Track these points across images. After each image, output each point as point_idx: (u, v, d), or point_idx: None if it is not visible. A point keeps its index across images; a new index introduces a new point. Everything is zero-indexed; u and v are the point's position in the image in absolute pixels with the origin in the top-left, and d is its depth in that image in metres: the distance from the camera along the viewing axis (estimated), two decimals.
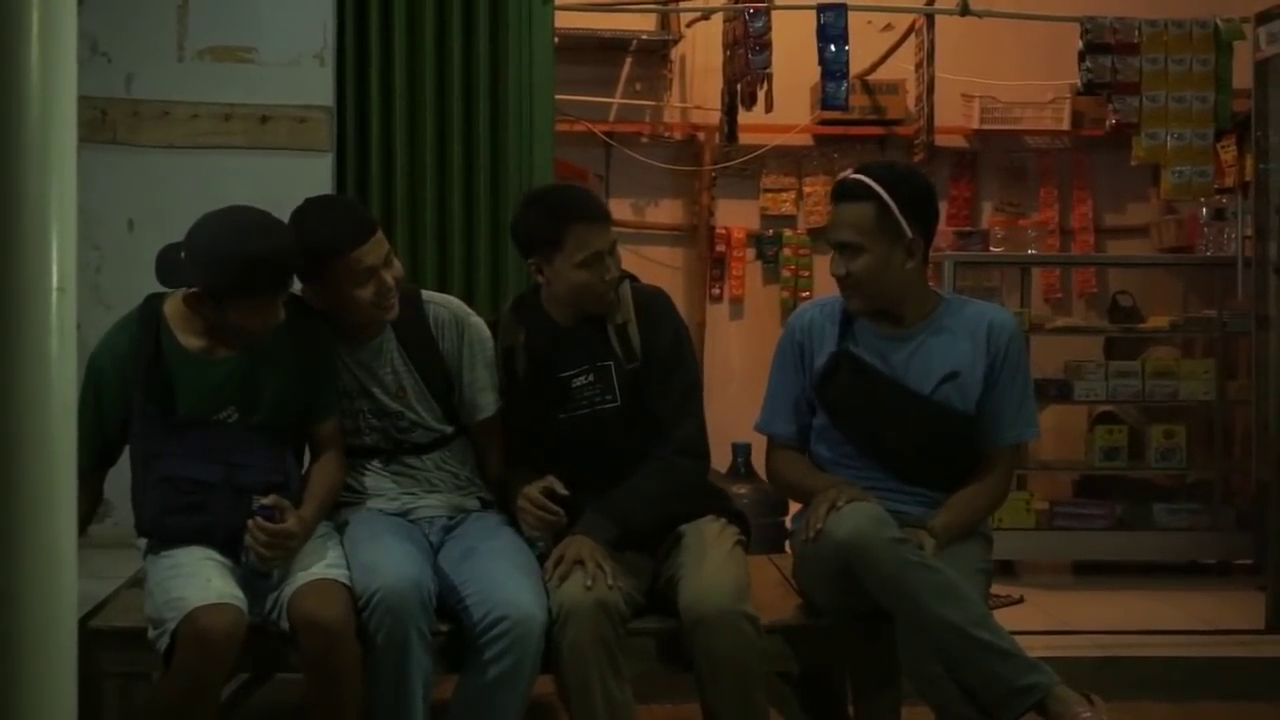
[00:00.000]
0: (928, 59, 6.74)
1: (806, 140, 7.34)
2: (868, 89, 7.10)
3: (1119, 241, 7.47)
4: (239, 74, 3.99)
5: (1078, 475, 6.08)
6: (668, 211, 7.42)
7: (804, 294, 7.24)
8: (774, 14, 5.77)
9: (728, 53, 6.38)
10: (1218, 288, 5.78)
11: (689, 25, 7.08)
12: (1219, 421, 5.76)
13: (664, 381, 3.16)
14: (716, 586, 2.91)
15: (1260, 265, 5.05)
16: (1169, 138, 5.40)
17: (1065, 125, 7.30)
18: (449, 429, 3.22)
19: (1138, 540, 5.61)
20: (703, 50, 7.11)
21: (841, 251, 3.11)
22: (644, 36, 7.02)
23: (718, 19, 6.59)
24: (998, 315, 3.20)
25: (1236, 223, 5.78)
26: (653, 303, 3.23)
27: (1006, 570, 5.38)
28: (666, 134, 7.27)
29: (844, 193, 3.14)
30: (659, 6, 6.84)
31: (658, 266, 7.07)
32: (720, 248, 7.39)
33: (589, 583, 2.87)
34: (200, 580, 2.77)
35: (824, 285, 6.15)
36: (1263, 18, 4.98)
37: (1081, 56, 5.44)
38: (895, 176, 3.15)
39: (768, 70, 5.82)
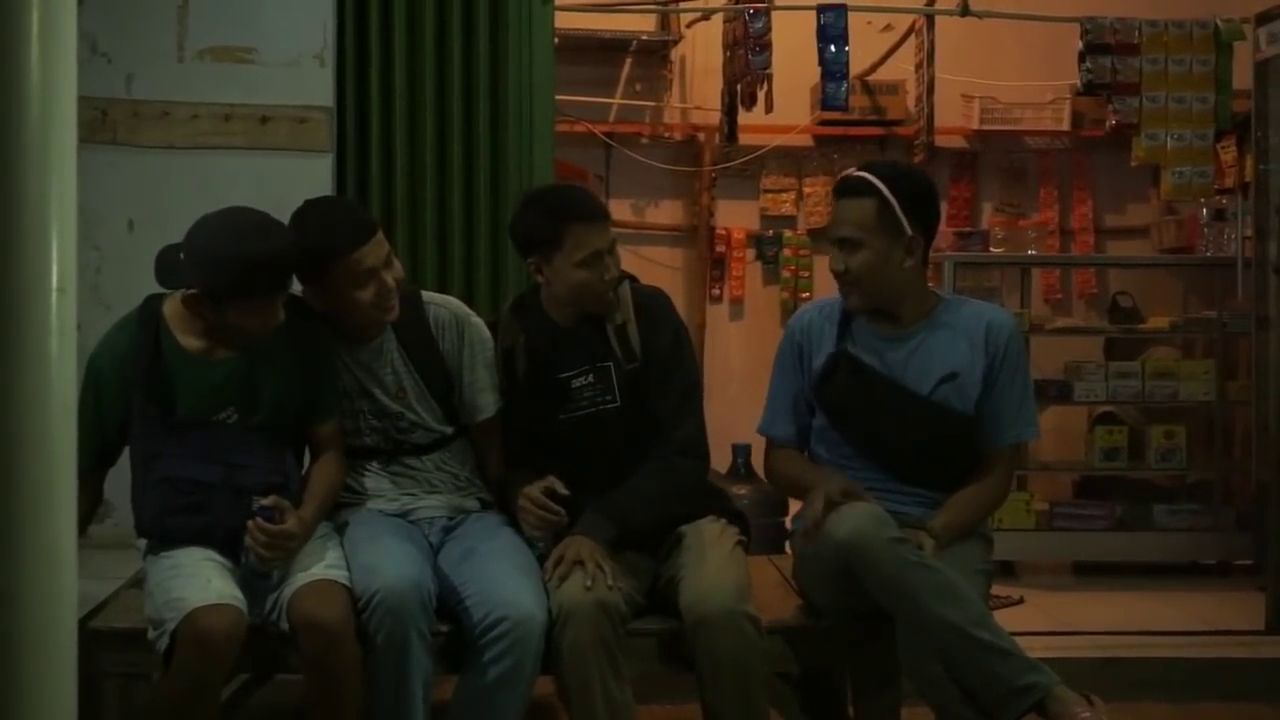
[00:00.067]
0: (928, 59, 6.74)
1: (806, 141, 7.34)
2: (868, 89, 7.10)
3: (1119, 242, 7.47)
4: (239, 74, 3.99)
5: (1078, 476, 6.08)
6: (668, 212, 7.43)
7: (804, 295, 7.24)
8: (774, 14, 5.77)
9: (728, 53, 6.38)
10: (1218, 288, 5.78)
11: (689, 26, 7.08)
12: (1219, 422, 5.76)
13: (664, 382, 3.16)
14: (718, 587, 2.91)
15: (1260, 266, 5.05)
16: (1169, 138, 5.40)
17: (1065, 126, 7.30)
18: (449, 430, 3.22)
19: (1138, 541, 5.61)
20: (703, 51, 7.12)
21: (841, 247, 3.11)
22: (644, 37, 7.02)
23: (718, 19, 6.59)
24: (996, 315, 3.20)
25: (1236, 223, 5.78)
26: (652, 303, 3.23)
27: (1006, 571, 5.38)
28: (666, 134, 7.27)
29: (846, 189, 3.14)
30: (659, 7, 6.84)
31: (658, 267, 7.07)
32: (720, 248, 7.39)
33: (589, 583, 2.87)
34: (200, 581, 2.77)
35: (824, 286, 6.15)
36: (1263, 18, 4.98)
37: (1081, 57, 5.44)
38: (897, 174, 3.16)
39: (768, 71, 5.83)
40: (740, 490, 5.06)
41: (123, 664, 2.88)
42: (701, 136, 7.28)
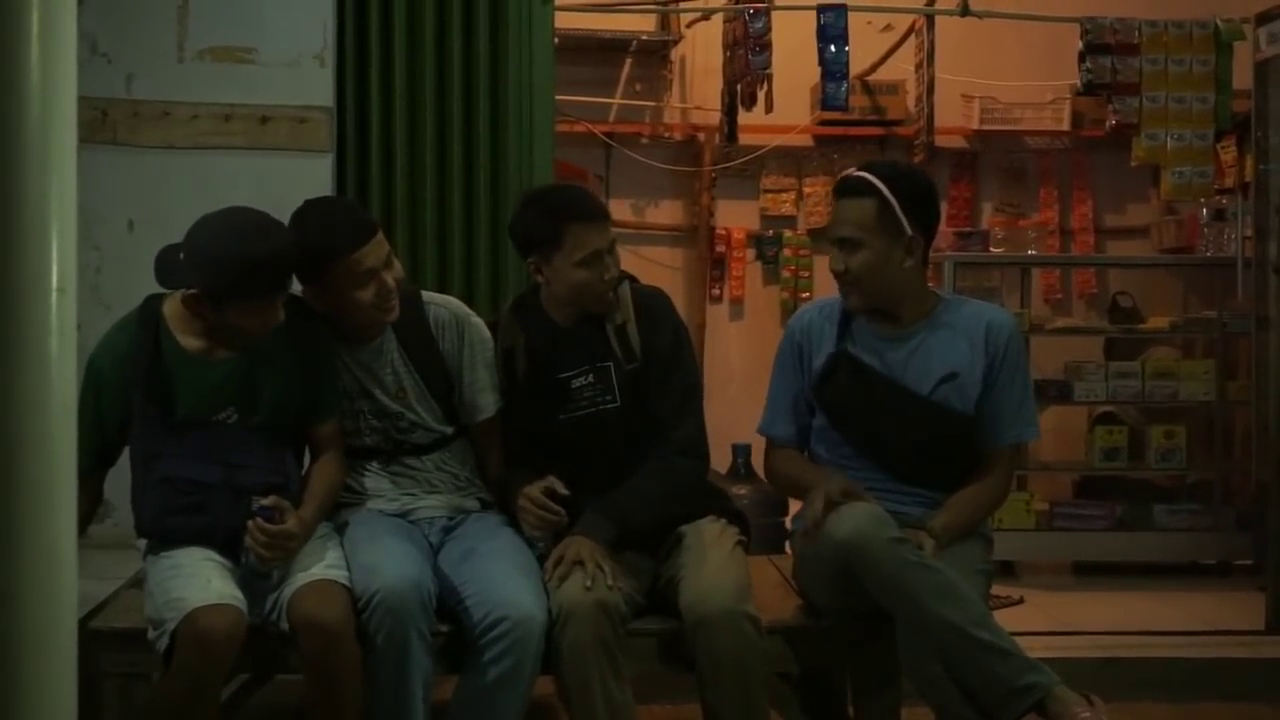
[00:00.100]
0: (928, 59, 6.74)
1: (806, 141, 7.34)
2: (868, 89, 7.10)
3: (1119, 242, 7.47)
4: (239, 74, 3.99)
5: (1078, 476, 6.08)
6: (668, 212, 7.43)
7: (804, 295, 7.24)
8: (774, 14, 5.77)
9: (728, 53, 6.38)
10: (1218, 288, 5.78)
11: (689, 26, 7.08)
12: (1219, 422, 5.76)
13: (663, 382, 3.16)
14: (718, 587, 2.91)
15: (1260, 266, 5.05)
16: (1169, 138, 5.40)
17: (1065, 126, 7.30)
18: (449, 430, 3.22)
19: (1138, 541, 5.61)
20: (703, 51, 7.12)
21: (841, 247, 3.11)
22: (644, 37, 7.02)
23: (718, 19, 6.59)
24: (996, 315, 3.20)
25: (1236, 223, 5.78)
26: (652, 303, 3.23)
27: (1006, 571, 5.38)
28: (666, 134, 7.27)
29: (846, 189, 3.15)
30: (659, 7, 6.84)
31: (657, 267, 7.07)
32: (720, 248, 7.39)
33: (589, 583, 2.87)
34: (200, 581, 2.77)
35: (824, 286, 6.15)
36: (1263, 18, 4.98)
37: (1081, 57, 5.44)
38: (897, 174, 3.16)
39: (768, 71, 5.82)
40: (740, 490, 5.06)
41: (123, 664, 2.88)
42: (701, 136, 7.28)
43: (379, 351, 3.15)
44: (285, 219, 2.98)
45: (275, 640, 2.84)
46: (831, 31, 5.44)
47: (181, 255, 2.88)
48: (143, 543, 2.97)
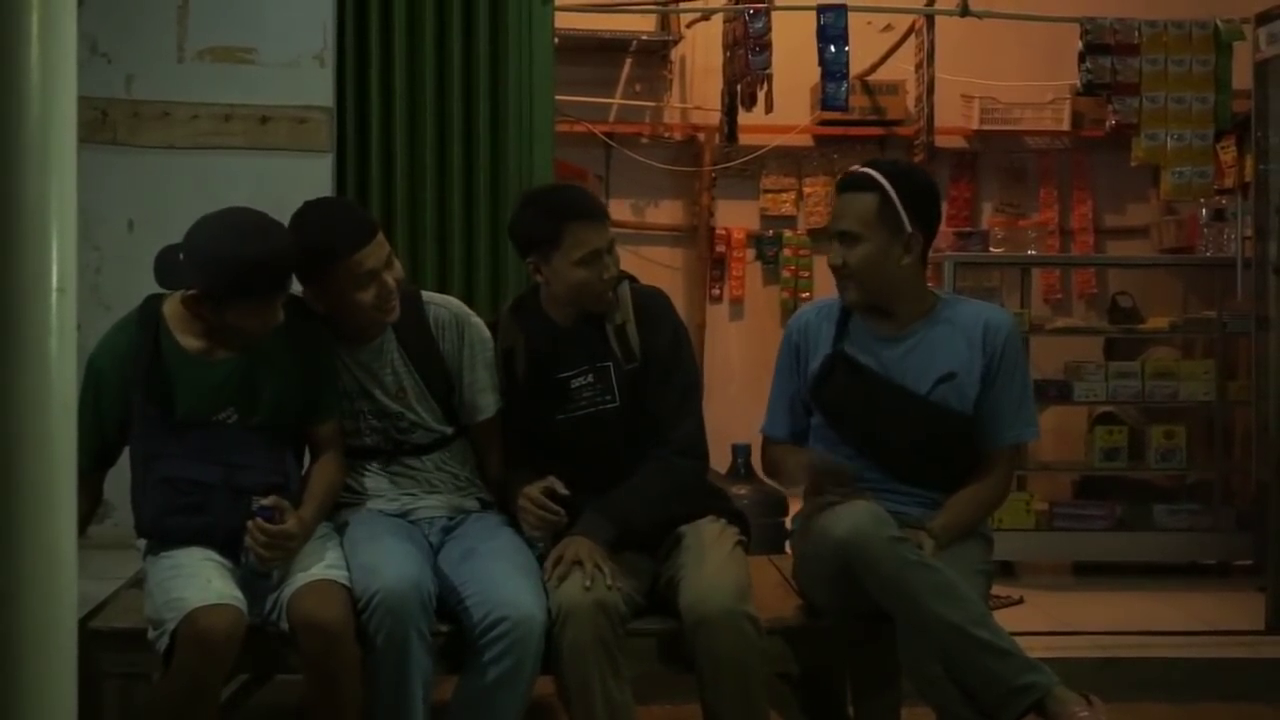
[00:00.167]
0: (928, 59, 6.75)
1: (806, 141, 7.35)
2: (868, 89, 7.11)
3: (1119, 242, 7.48)
4: (239, 75, 3.99)
5: (1078, 476, 6.08)
6: (667, 212, 7.43)
7: (804, 295, 7.25)
8: (774, 15, 5.77)
9: (728, 53, 6.39)
10: (1217, 288, 5.78)
11: (689, 26, 7.09)
12: (1219, 422, 5.76)
13: (663, 382, 3.16)
14: (718, 587, 2.91)
15: (1260, 266, 5.05)
16: (1169, 138, 5.40)
17: (1065, 126, 7.32)
18: (449, 430, 3.22)
19: (1138, 541, 5.61)
20: (703, 51, 7.13)
21: (841, 241, 3.12)
22: (644, 37, 7.03)
23: (718, 20, 6.60)
24: (994, 315, 3.20)
25: (1236, 223, 5.79)
26: (652, 303, 3.23)
27: (1006, 571, 5.38)
28: (666, 134, 7.28)
29: (849, 184, 3.16)
30: (659, 7, 6.84)
31: (657, 267, 7.08)
32: (720, 248, 7.40)
33: (588, 583, 2.87)
34: (200, 581, 2.77)
35: (824, 286, 6.15)
36: (1262, 18, 4.98)
37: (1081, 57, 5.44)
38: (900, 171, 3.18)
39: (768, 71, 5.83)
40: (740, 490, 5.05)
41: (123, 664, 2.88)
42: (701, 136, 7.29)
43: (379, 352, 3.15)
44: (285, 219, 2.98)
45: (275, 640, 2.84)
46: (831, 31, 5.44)
47: (181, 256, 2.88)
48: (142, 543, 2.97)
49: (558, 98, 4.28)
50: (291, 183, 3.75)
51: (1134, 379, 5.64)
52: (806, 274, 7.39)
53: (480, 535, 3.10)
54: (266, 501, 2.84)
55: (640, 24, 7.05)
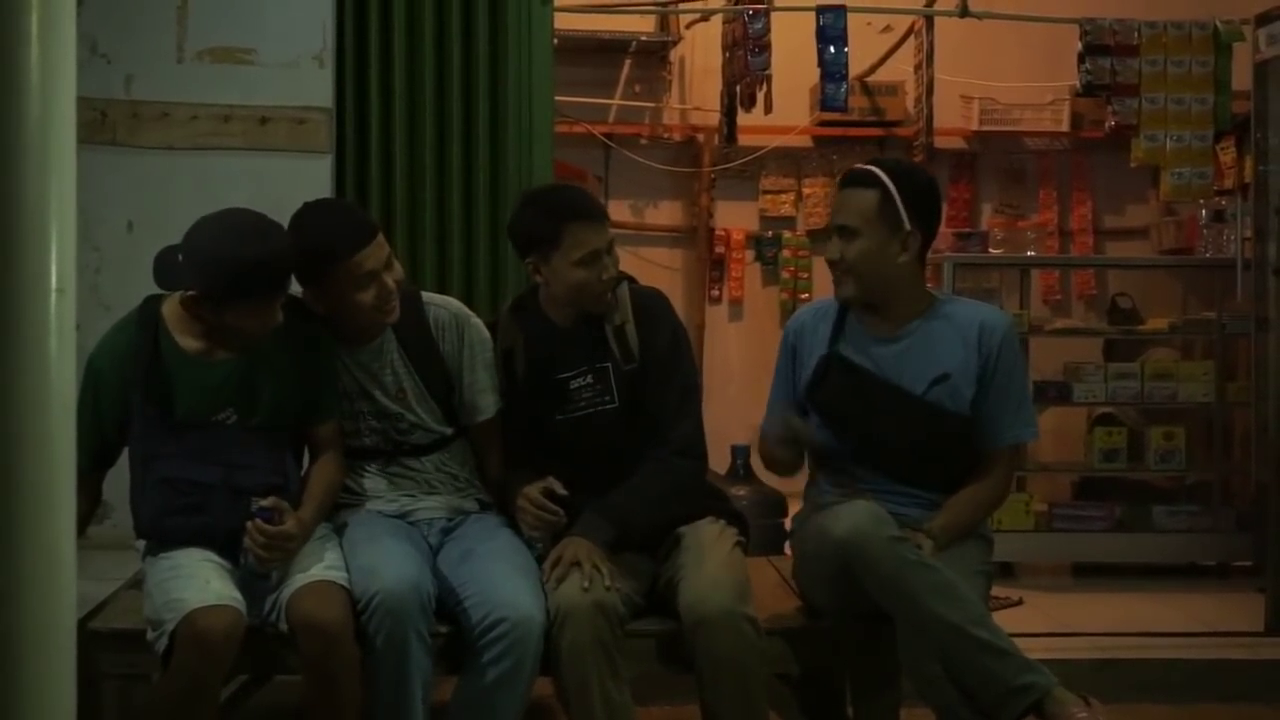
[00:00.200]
0: (927, 60, 6.75)
1: (806, 142, 7.35)
2: (867, 90, 7.12)
3: (1118, 243, 7.49)
4: (238, 75, 3.99)
5: (1077, 477, 6.08)
6: (667, 213, 7.43)
7: (803, 295, 7.26)
8: (773, 15, 5.77)
9: (727, 54, 6.39)
10: (1217, 289, 5.78)
11: (688, 27, 7.09)
12: (1218, 423, 5.76)
13: (662, 383, 3.16)
14: (717, 587, 2.91)
15: (1259, 267, 5.05)
16: (1168, 139, 5.40)
17: (1064, 127, 7.32)
18: (449, 431, 3.22)
19: (1137, 542, 5.61)
20: (702, 52, 7.13)
21: (840, 235, 3.12)
22: (643, 38, 7.04)
23: (717, 20, 6.60)
24: (990, 316, 3.19)
25: (1236, 224, 5.78)
26: (651, 304, 3.23)
27: (1006, 572, 5.38)
28: (666, 135, 7.28)
29: (851, 179, 3.17)
30: (658, 8, 6.85)
31: (657, 268, 7.08)
32: (719, 249, 7.40)
33: (586, 584, 2.87)
34: (199, 582, 2.77)
35: (823, 287, 6.15)
36: (1262, 19, 4.98)
37: (1081, 58, 5.44)
38: (903, 170, 3.19)
39: (767, 72, 5.83)
40: (739, 491, 5.06)
41: (122, 665, 2.88)
42: (701, 137, 7.29)
43: (379, 352, 3.15)
44: (284, 220, 2.98)
45: (274, 641, 2.84)
46: (831, 32, 5.44)
47: (180, 256, 2.88)
48: (142, 544, 2.96)
49: (557, 98, 4.28)
50: (291, 183, 3.75)
51: (1133, 380, 5.64)
52: (806, 275, 7.39)
53: (479, 536, 3.10)
54: (265, 502, 2.84)
55: (640, 25, 7.05)
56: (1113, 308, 6.16)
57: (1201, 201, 6.02)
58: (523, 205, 3.24)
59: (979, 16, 5.55)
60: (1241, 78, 5.34)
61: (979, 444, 3.14)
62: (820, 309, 3.28)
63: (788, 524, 4.25)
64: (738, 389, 6.89)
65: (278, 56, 4.00)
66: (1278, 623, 4.72)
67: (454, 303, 3.29)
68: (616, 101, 7.22)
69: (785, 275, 7.42)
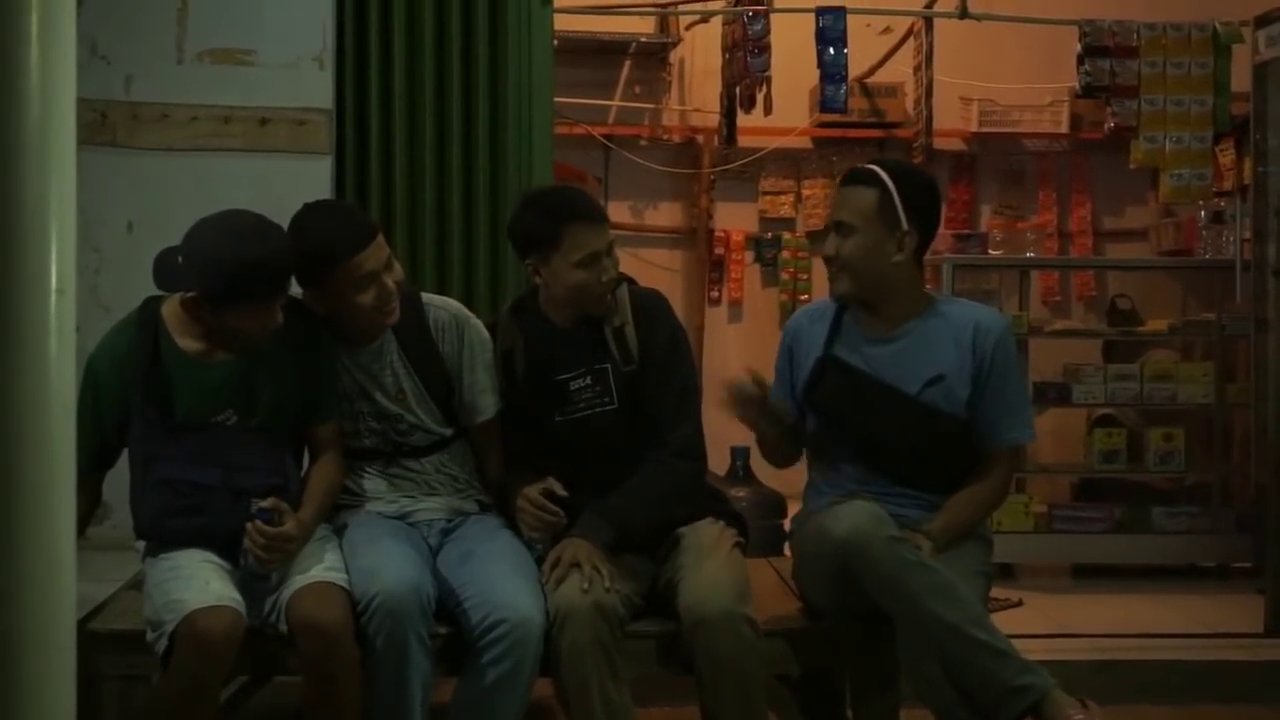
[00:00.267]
0: (926, 62, 6.75)
1: (805, 143, 7.35)
2: (866, 92, 7.12)
3: (1118, 244, 7.49)
4: (238, 76, 3.99)
5: (1076, 478, 6.08)
6: (666, 214, 7.43)
7: (803, 297, 7.26)
8: (773, 17, 5.78)
9: (727, 55, 6.39)
10: (1216, 291, 5.78)
11: (688, 28, 7.09)
12: (1218, 424, 5.76)
13: (661, 384, 3.16)
14: (717, 589, 2.91)
15: (1259, 268, 5.05)
16: (1168, 141, 5.40)
17: (1064, 128, 7.32)
18: (448, 432, 3.22)
19: (1137, 543, 5.61)
20: (702, 53, 7.13)
21: (837, 231, 3.13)
22: (643, 39, 7.04)
23: (717, 22, 6.60)
24: (985, 317, 3.18)
25: (1235, 226, 5.78)
26: (650, 305, 3.23)
27: (1005, 573, 5.38)
28: (665, 136, 7.28)
29: (851, 177, 3.18)
30: (658, 9, 6.85)
31: (656, 269, 7.08)
32: (719, 250, 7.40)
33: (586, 585, 2.87)
34: (199, 582, 2.77)
35: (823, 288, 6.14)
36: (1261, 21, 4.98)
37: (1080, 59, 5.44)
38: (903, 170, 3.20)
39: (766, 73, 5.83)
40: (738, 493, 5.05)
41: (122, 666, 2.88)
42: (700, 139, 7.29)
43: (379, 353, 3.15)
44: (284, 221, 2.98)
45: (274, 642, 2.84)
46: (830, 34, 5.44)
47: (180, 258, 2.88)
48: (141, 544, 2.96)
49: (557, 99, 4.28)
50: (291, 185, 3.75)
51: (1133, 381, 5.64)
52: (805, 276, 7.39)
53: (479, 537, 3.10)
54: (265, 503, 2.84)
55: (639, 26, 7.06)
56: (1112, 309, 6.16)
57: (1201, 203, 6.02)
58: (523, 206, 3.24)
59: (978, 18, 5.55)
60: (1241, 79, 5.35)
61: (976, 444, 3.14)
62: (817, 310, 3.29)
63: (787, 525, 4.25)
64: None
65: (278, 58, 4.00)
66: (1277, 624, 4.72)
67: (454, 304, 3.29)
68: (616, 103, 7.22)
69: (785, 277, 7.42)
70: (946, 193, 7.17)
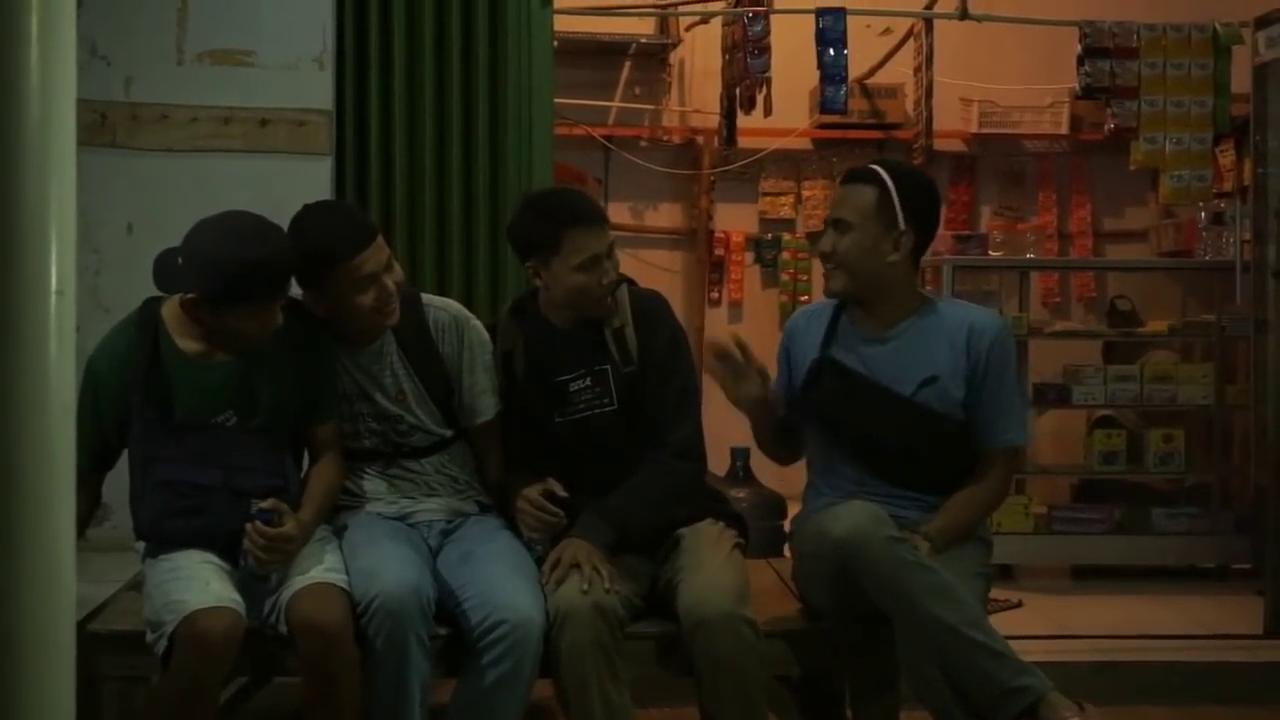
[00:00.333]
0: (926, 63, 6.76)
1: (805, 144, 7.36)
2: (866, 93, 7.12)
3: (1117, 245, 7.49)
4: (238, 77, 3.99)
5: (1076, 479, 6.08)
6: (666, 215, 7.44)
7: (803, 298, 7.26)
8: (773, 18, 5.77)
9: (727, 56, 6.39)
10: (1216, 292, 5.78)
11: (688, 29, 7.10)
12: (1218, 425, 5.76)
13: (660, 385, 3.16)
14: (716, 590, 2.91)
15: (1259, 269, 5.05)
16: (1167, 142, 5.40)
17: (1064, 129, 7.32)
18: (448, 433, 3.22)
19: (1136, 544, 5.61)
20: (702, 54, 7.14)
21: (835, 228, 3.13)
22: (643, 40, 7.04)
23: (716, 23, 6.61)
24: (980, 318, 3.18)
25: (1235, 227, 5.79)
26: (650, 306, 3.24)
27: (1005, 574, 5.38)
28: (665, 138, 7.29)
29: (852, 176, 3.18)
30: (658, 10, 6.85)
31: (656, 270, 7.09)
32: (719, 251, 7.40)
33: (586, 586, 2.87)
34: (199, 583, 2.77)
35: (822, 289, 6.16)
36: (1261, 22, 4.98)
37: (1080, 60, 5.44)
38: (903, 171, 3.20)
39: (766, 74, 5.83)
40: (738, 493, 5.05)
41: (121, 667, 2.88)
42: (700, 140, 7.29)
43: (379, 354, 3.15)
44: (284, 222, 2.98)
45: (273, 643, 2.84)
46: (830, 35, 5.44)
47: (180, 259, 2.88)
48: (141, 545, 2.96)
49: (557, 101, 4.29)
50: (291, 185, 3.75)
51: (1133, 382, 5.64)
52: (805, 277, 7.39)
53: (479, 538, 3.10)
54: (265, 504, 2.84)
55: (639, 27, 7.06)
56: (1112, 310, 6.16)
57: (1201, 204, 6.02)
58: (523, 209, 3.24)
59: (978, 19, 5.55)
60: (1241, 80, 5.35)
61: (974, 445, 3.14)
62: (814, 311, 3.29)
63: (787, 526, 4.25)
64: None
65: (277, 58, 4.00)
66: (1277, 625, 4.72)
67: (454, 305, 3.29)
68: (616, 104, 7.23)
69: (785, 277, 7.42)
70: (946, 194, 7.18)
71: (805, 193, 7.44)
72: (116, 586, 3.20)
